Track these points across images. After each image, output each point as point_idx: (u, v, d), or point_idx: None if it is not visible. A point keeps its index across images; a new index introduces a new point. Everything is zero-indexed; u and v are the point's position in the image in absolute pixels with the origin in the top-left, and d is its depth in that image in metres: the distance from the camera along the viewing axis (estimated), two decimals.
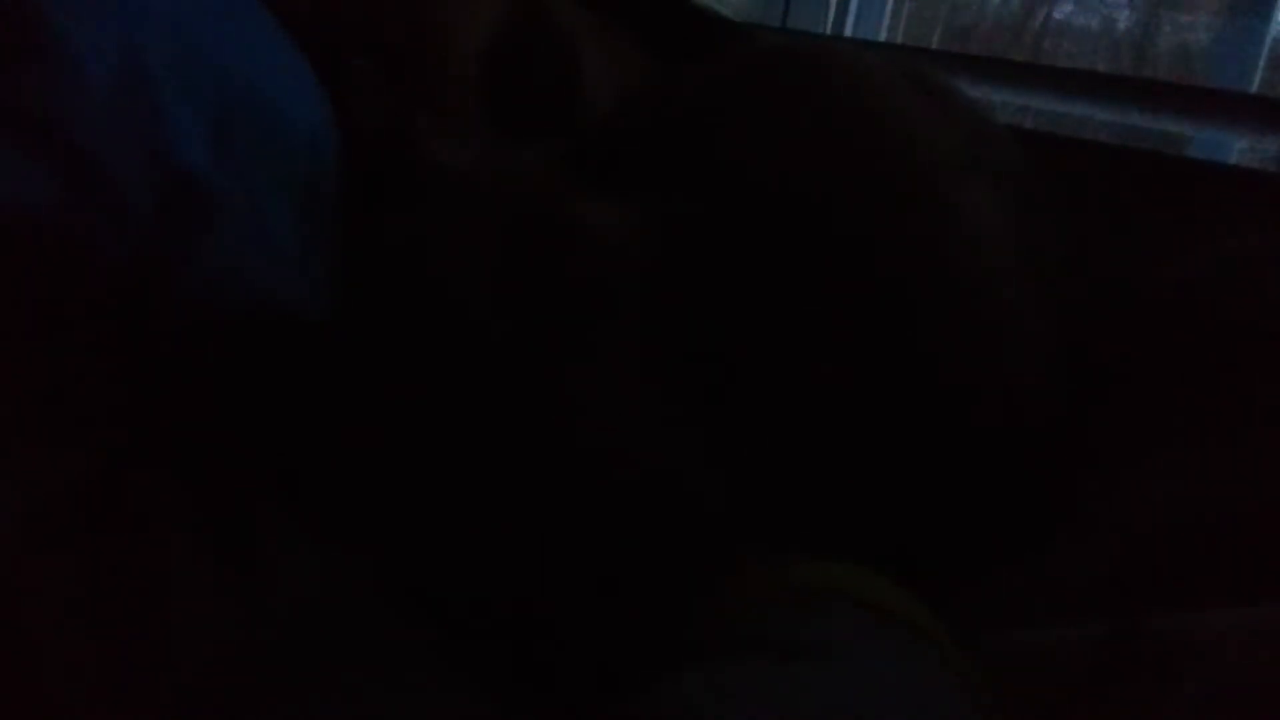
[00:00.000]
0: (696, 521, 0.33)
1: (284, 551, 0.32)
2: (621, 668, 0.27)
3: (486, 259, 0.33)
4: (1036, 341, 0.36)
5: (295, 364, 0.35)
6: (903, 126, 0.35)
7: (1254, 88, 1.02)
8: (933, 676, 0.27)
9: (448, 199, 0.37)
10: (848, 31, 1.23)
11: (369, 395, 0.35)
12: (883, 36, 1.24)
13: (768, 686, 0.24)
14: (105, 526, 0.28)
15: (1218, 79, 1.07)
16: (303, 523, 0.32)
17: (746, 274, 0.33)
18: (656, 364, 0.33)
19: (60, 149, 0.31)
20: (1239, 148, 0.81)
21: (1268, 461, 0.34)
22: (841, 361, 0.33)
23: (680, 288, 0.33)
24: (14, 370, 0.29)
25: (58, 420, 0.29)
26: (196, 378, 0.33)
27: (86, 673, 0.26)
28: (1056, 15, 1.36)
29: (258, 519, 0.32)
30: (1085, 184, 0.50)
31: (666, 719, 0.23)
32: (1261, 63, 1.02)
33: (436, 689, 0.30)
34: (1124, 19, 1.32)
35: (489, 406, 0.32)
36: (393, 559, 0.32)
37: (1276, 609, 0.27)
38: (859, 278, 0.33)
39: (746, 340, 0.33)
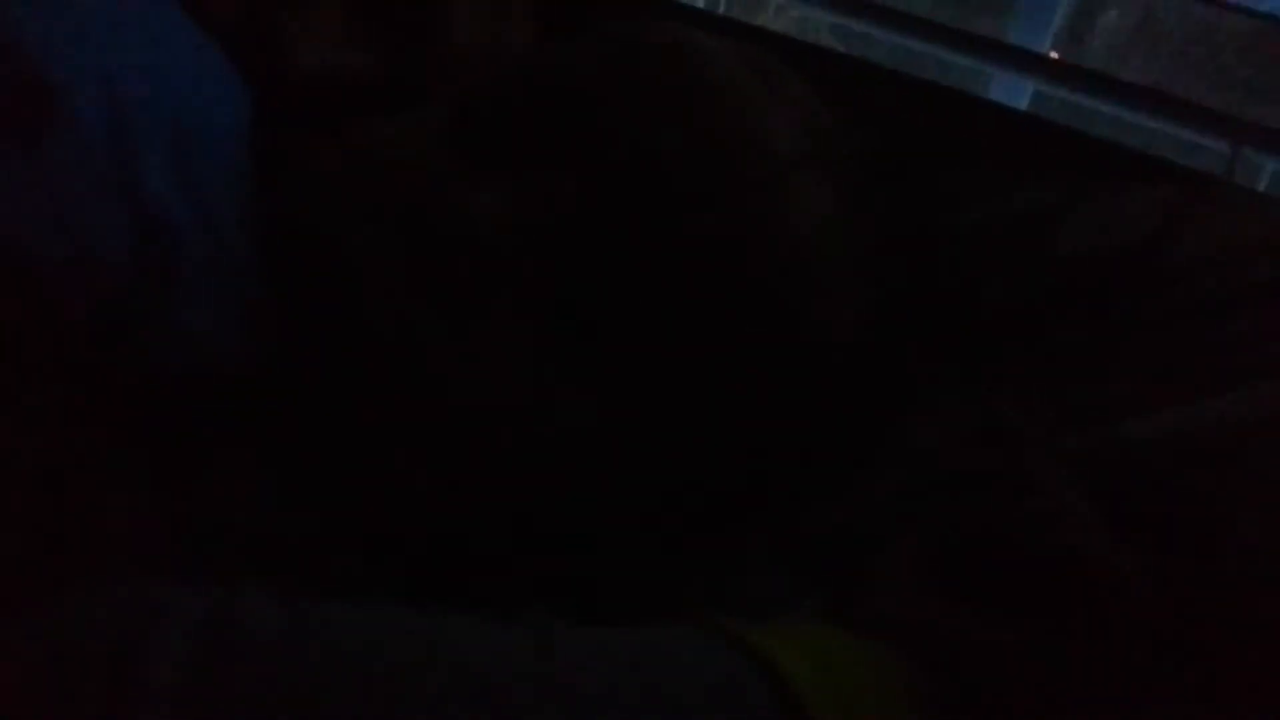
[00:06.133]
0: (575, 450, 0.41)
1: (231, 483, 0.38)
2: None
3: (378, 242, 0.40)
4: (855, 304, 0.45)
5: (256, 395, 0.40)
6: (752, 121, 0.43)
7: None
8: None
9: (338, 183, 0.43)
10: None
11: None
12: None
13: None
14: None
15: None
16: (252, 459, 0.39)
17: (613, 246, 0.40)
18: (535, 321, 0.40)
19: (52, 203, 0.33)
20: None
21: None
22: (693, 319, 0.41)
23: (555, 257, 0.40)
24: None
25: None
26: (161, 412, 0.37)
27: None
28: None
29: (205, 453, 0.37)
30: (893, 117, 0.52)
31: None
32: None
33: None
34: None
35: (386, 368, 0.39)
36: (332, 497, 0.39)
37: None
38: (706, 255, 0.41)
39: (613, 298, 0.41)
